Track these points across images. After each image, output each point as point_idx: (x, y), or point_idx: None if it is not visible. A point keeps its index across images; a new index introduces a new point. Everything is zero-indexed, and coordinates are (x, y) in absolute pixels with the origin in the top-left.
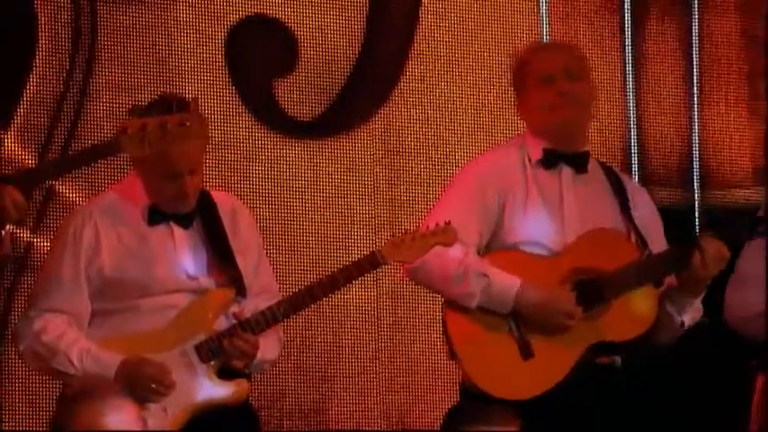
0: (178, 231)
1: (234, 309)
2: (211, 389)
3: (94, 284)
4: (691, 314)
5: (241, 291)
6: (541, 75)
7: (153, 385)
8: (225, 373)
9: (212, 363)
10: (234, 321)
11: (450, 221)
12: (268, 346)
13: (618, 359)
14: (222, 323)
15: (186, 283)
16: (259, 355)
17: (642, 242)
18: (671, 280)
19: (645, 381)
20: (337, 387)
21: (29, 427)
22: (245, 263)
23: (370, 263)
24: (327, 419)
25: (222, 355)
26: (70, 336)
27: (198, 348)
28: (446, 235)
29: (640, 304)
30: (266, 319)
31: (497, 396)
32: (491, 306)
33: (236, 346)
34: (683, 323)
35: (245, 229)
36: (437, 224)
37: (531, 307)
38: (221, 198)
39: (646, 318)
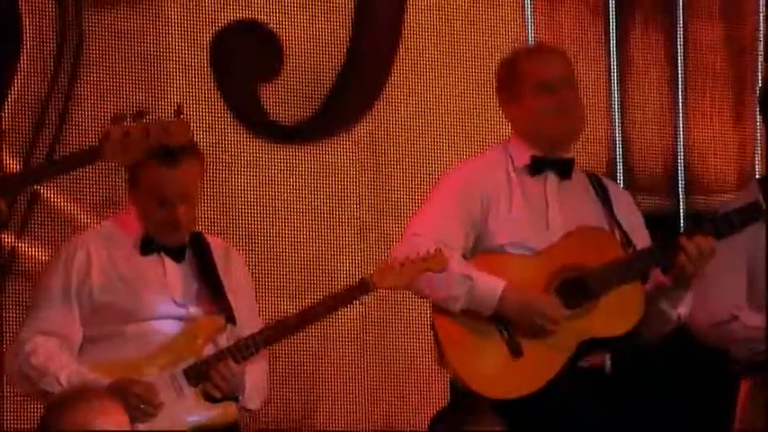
0: (169, 263)
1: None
2: (199, 411)
3: (85, 309)
4: (685, 306)
5: (230, 319)
6: (542, 81)
7: (141, 405)
8: (213, 397)
9: (200, 386)
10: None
11: (440, 248)
12: (252, 396)
13: (608, 363)
14: (211, 350)
15: (174, 311)
16: (242, 399)
17: (627, 242)
18: (662, 279)
19: (632, 383)
20: (324, 392)
21: (26, 427)
22: (236, 302)
23: (360, 290)
24: (315, 424)
25: (207, 379)
26: (60, 358)
27: (186, 372)
28: (436, 261)
29: (627, 299)
30: (255, 343)
31: (490, 396)
32: (475, 308)
33: (219, 371)
34: (679, 316)
35: (237, 272)
36: (427, 251)
37: (515, 310)
38: (215, 241)
39: (633, 312)
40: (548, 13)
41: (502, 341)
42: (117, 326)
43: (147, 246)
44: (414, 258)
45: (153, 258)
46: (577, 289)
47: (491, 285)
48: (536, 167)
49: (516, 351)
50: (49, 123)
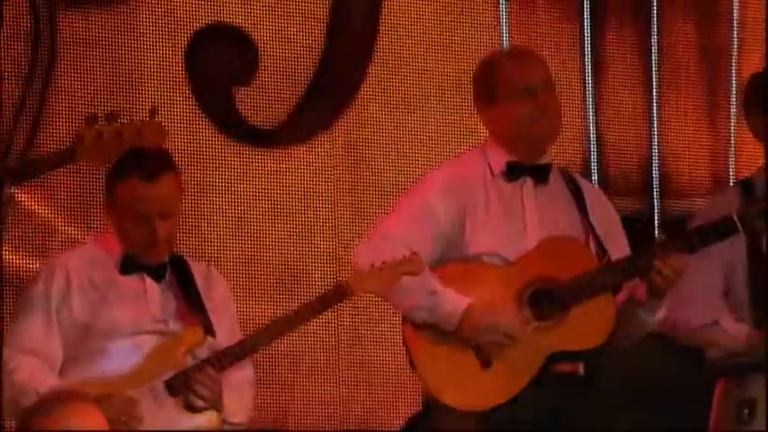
0: (150, 282)
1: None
2: (182, 421)
3: (65, 328)
4: (662, 310)
5: (210, 332)
6: (522, 86)
7: (122, 418)
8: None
9: (182, 397)
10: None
11: (416, 252)
12: (233, 409)
13: (581, 367)
14: (192, 362)
15: (154, 327)
16: (225, 412)
17: (602, 250)
18: (636, 292)
19: (608, 387)
20: (298, 394)
21: None
22: (217, 322)
23: (337, 295)
24: (289, 426)
25: (189, 389)
26: (42, 376)
27: (168, 383)
28: (412, 264)
29: (598, 312)
30: (234, 353)
31: (458, 408)
32: (437, 323)
33: (200, 380)
34: (656, 320)
35: (218, 292)
36: (404, 255)
37: (473, 330)
38: (196, 264)
39: (604, 326)
40: (522, 15)
41: (471, 351)
42: (97, 344)
43: (127, 265)
44: (390, 263)
45: (133, 278)
46: (548, 301)
47: (454, 304)
48: (513, 173)
49: (485, 361)
50: (23, 128)
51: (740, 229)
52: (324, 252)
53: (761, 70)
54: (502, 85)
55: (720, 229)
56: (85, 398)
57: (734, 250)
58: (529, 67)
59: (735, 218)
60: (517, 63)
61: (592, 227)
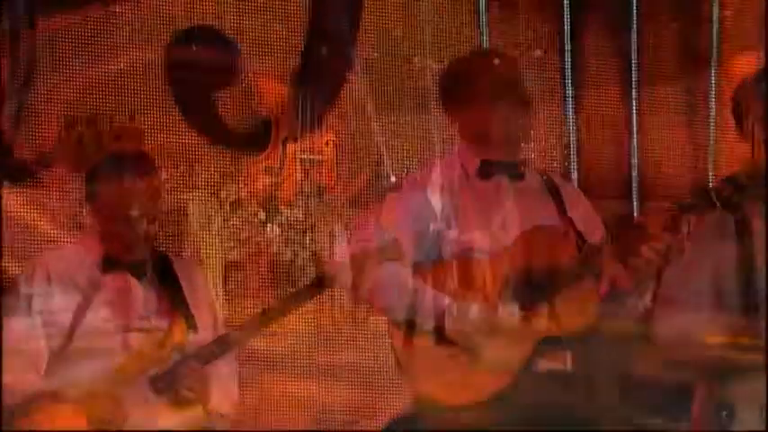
0: (132, 280)
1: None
2: (168, 417)
3: (48, 328)
4: (649, 294)
5: (193, 327)
6: (497, 86)
7: (108, 417)
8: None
9: (167, 394)
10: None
11: (395, 238)
12: (219, 401)
13: (568, 363)
14: (176, 358)
15: (138, 324)
16: (212, 405)
17: (582, 240)
18: (621, 282)
19: (595, 384)
20: (277, 395)
21: None
22: (199, 317)
23: (318, 286)
24: (272, 426)
25: (175, 384)
26: (29, 377)
27: (153, 380)
28: (392, 251)
29: (582, 297)
30: (218, 347)
31: (446, 402)
32: (418, 322)
33: (184, 374)
34: (645, 305)
35: (199, 288)
36: (381, 243)
37: (456, 327)
38: (178, 261)
39: (589, 309)
40: (503, 19)
41: (458, 346)
42: (81, 343)
43: (109, 265)
44: (370, 251)
45: (115, 277)
46: (532, 290)
47: (435, 302)
48: (487, 171)
49: (473, 356)
50: (2, 129)
51: (716, 203)
52: (309, 253)
53: (751, 74)
54: (472, 86)
55: (698, 205)
56: (65, 398)
57: (725, 255)
58: (499, 67)
59: (711, 192)
60: (487, 64)
61: (571, 222)
